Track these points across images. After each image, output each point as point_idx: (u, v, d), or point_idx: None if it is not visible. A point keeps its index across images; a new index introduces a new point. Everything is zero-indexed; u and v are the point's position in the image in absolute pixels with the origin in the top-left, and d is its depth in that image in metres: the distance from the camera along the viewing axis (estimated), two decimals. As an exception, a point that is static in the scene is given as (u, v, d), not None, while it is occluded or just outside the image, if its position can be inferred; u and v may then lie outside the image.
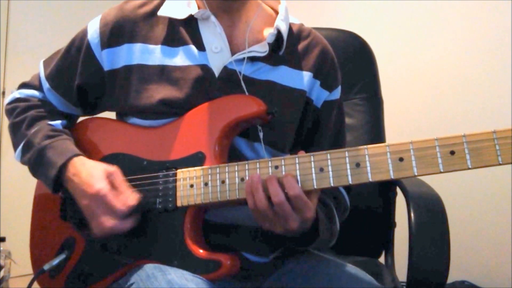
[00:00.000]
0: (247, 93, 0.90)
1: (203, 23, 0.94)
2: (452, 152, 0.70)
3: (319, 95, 0.99)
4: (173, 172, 0.87)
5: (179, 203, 0.85)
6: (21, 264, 1.98)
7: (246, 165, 0.81)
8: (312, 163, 0.77)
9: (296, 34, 0.99)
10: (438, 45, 2.26)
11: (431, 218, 1.02)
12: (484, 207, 2.05)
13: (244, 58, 0.91)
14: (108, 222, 0.83)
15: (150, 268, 0.81)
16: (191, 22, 0.94)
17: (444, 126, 2.15)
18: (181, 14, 0.94)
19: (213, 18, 0.93)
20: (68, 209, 0.96)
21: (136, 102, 0.92)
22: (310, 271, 0.89)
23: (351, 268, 0.89)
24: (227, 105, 0.87)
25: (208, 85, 0.91)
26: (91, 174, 0.86)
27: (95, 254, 0.91)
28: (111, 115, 1.03)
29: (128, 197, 0.84)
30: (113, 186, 0.85)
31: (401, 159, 0.73)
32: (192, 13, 0.93)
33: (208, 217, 0.89)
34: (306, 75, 0.97)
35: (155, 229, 0.86)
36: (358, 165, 0.75)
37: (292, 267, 0.91)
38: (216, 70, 0.91)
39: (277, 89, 0.94)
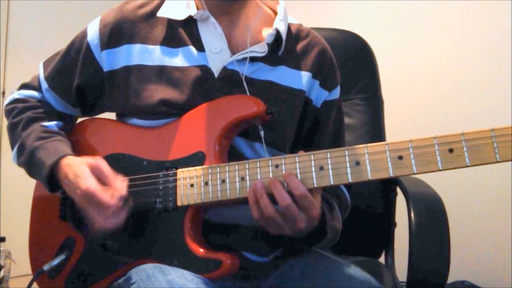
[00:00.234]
0: (248, 93, 0.90)
1: (202, 24, 0.94)
2: (451, 150, 0.71)
3: (319, 95, 0.99)
4: (173, 171, 0.87)
5: (179, 203, 0.85)
6: (21, 264, 1.98)
7: (246, 164, 0.81)
8: (312, 161, 0.78)
9: (295, 35, 1.00)
10: (438, 45, 2.26)
11: (431, 218, 1.02)
12: (484, 207, 2.05)
13: (242, 58, 0.91)
14: (102, 221, 0.82)
15: (150, 268, 0.81)
16: (190, 23, 0.95)
17: (444, 126, 2.15)
18: (180, 15, 0.94)
19: (212, 19, 0.93)
20: (67, 209, 0.96)
21: (136, 103, 0.92)
22: (310, 270, 0.88)
23: (351, 268, 0.89)
24: (227, 105, 0.87)
25: (208, 86, 0.91)
26: (77, 174, 0.85)
27: (95, 254, 0.91)
28: (111, 116, 1.03)
29: (116, 189, 0.83)
30: (99, 179, 0.84)
31: (400, 157, 0.73)
32: (191, 14, 0.93)
33: (208, 217, 0.89)
34: (305, 75, 0.97)
35: (155, 228, 0.86)
36: (358, 163, 0.75)
37: (292, 267, 0.91)
38: (216, 71, 0.92)
39: (276, 89, 0.94)
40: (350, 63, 1.41)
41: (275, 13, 0.99)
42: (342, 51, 1.38)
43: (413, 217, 1.00)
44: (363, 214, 1.29)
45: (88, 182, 0.83)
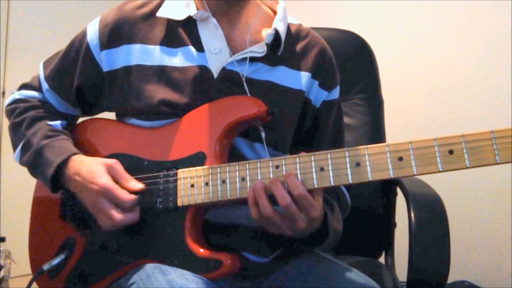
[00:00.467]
0: (248, 94, 0.90)
1: (202, 24, 0.94)
2: (451, 151, 0.71)
3: (318, 95, 0.99)
4: (173, 172, 0.87)
5: (179, 203, 0.85)
6: (21, 264, 1.98)
7: (247, 165, 0.81)
8: (313, 162, 0.78)
9: (294, 35, 0.99)
10: (438, 45, 2.26)
11: (431, 218, 1.02)
12: (484, 207, 2.06)
13: (242, 58, 0.91)
14: (117, 215, 0.83)
15: (150, 268, 0.81)
16: (190, 23, 0.95)
17: (444, 126, 2.15)
18: (180, 15, 0.94)
19: (213, 19, 0.93)
20: (68, 209, 0.96)
21: (136, 103, 0.92)
22: (310, 271, 0.89)
23: (351, 269, 0.89)
24: (228, 106, 0.87)
25: (207, 86, 0.91)
26: (92, 171, 0.86)
27: (95, 254, 0.91)
28: (110, 116, 1.03)
29: (132, 187, 0.85)
30: (114, 179, 0.86)
31: (400, 158, 0.73)
32: (191, 14, 0.93)
33: (209, 217, 0.89)
34: (305, 76, 0.97)
35: (156, 228, 0.87)
36: (358, 164, 0.75)
37: (292, 267, 0.91)
38: (215, 71, 0.92)
39: (275, 89, 0.94)
40: (350, 63, 1.41)
41: (275, 13, 0.99)
42: (342, 51, 1.38)
43: (413, 217, 1.00)
44: (363, 214, 1.29)
45: (105, 179, 0.84)
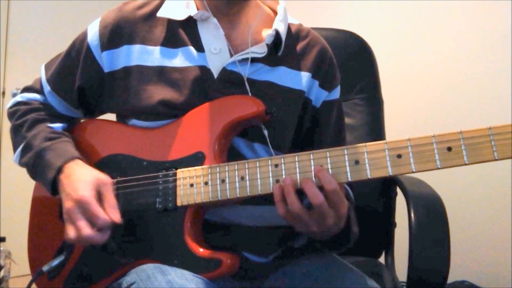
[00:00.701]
0: (250, 94, 0.89)
1: (202, 24, 0.94)
2: (449, 148, 0.71)
3: (318, 95, 0.99)
4: (173, 172, 0.87)
5: (179, 203, 0.85)
6: (21, 264, 1.98)
7: (246, 164, 0.81)
8: (312, 161, 0.78)
9: (294, 35, 0.99)
10: (438, 45, 2.26)
11: (431, 218, 1.02)
12: (484, 207, 2.06)
13: (242, 59, 0.91)
14: (86, 230, 0.80)
15: (150, 268, 0.81)
16: (190, 23, 0.94)
17: (444, 126, 2.14)
18: (180, 15, 0.94)
19: (213, 19, 0.92)
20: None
21: (136, 103, 0.92)
22: (310, 271, 0.89)
23: (352, 269, 0.89)
24: (227, 105, 0.87)
25: (207, 86, 0.91)
26: (80, 179, 0.84)
27: (95, 255, 0.91)
28: (111, 117, 1.03)
29: (111, 213, 0.82)
30: (100, 197, 0.84)
31: (399, 156, 0.74)
32: (191, 14, 0.93)
33: (208, 217, 0.89)
34: (305, 76, 0.97)
35: (155, 228, 0.86)
36: (357, 162, 0.76)
37: (292, 267, 0.91)
38: (215, 71, 0.91)
39: (276, 89, 0.94)
40: (350, 63, 1.41)
41: (275, 13, 0.99)
42: (342, 51, 1.38)
43: (413, 217, 1.00)
44: (363, 214, 1.28)
45: (87, 192, 0.82)
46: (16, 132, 1.00)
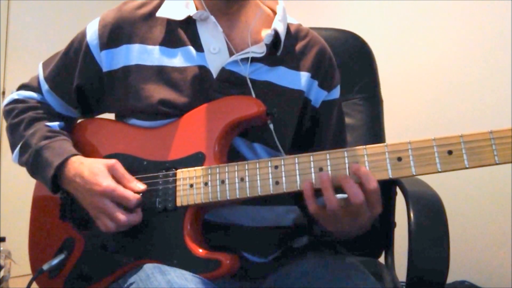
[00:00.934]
0: (253, 94, 0.89)
1: (201, 24, 0.94)
2: (450, 152, 0.71)
3: (318, 95, 0.99)
4: (172, 172, 0.87)
5: (179, 203, 0.85)
6: (21, 264, 1.98)
7: (246, 165, 0.81)
8: (312, 163, 0.78)
9: (294, 35, 0.99)
10: (438, 45, 2.26)
11: (431, 218, 1.02)
12: (484, 207, 2.05)
13: (241, 59, 0.91)
14: (121, 216, 0.82)
15: (149, 268, 0.81)
16: (189, 23, 0.95)
17: (444, 126, 2.15)
18: (180, 15, 0.94)
19: (212, 18, 0.93)
20: (67, 209, 0.96)
21: (135, 103, 0.92)
22: (310, 271, 0.88)
23: (351, 268, 0.89)
24: (227, 106, 0.87)
25: (207, 86, 0.91)
26: (94, 172, 0.85)
27: (95, 254, 0.91)
28: (110, 116, 1.03)
29: (135, 187, 0.85)
30: (116, 179, 0.85)
31: (399, 159, 0.74)
32: (190, 14, 0.93)
33: (208, 217, 0.89)
34: (304, 76, 0.97)
35: (155, 229, 0.86)
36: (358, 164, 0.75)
37: (292, 267, 0.91)
38: (214, 71, 0.91)
39: (275, 89, 0.94)
40: (350, 63, 1.40)
41: (275, 13, 0.99)
42: (342, 51, 1.38)
43: (413, 217, 1.00)
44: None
45: (108, 181, 0.84)
46: (13, 131, 0.99)
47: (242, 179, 0.81)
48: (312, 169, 0.77)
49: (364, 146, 0.76)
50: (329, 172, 0.76)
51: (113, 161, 0.87)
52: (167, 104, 0.90)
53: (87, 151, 0.96)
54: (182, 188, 0.85)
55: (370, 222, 0.81)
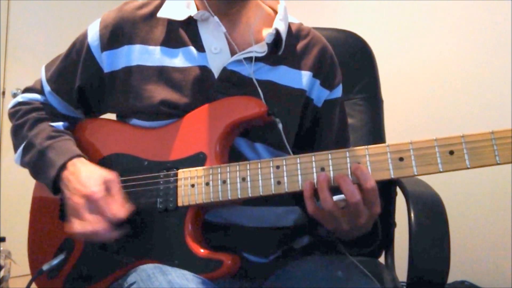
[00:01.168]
0: (261, 93, 0.89)
1: (202, 24, 0.94)
2: (451, 152, 0.72)
3: (320, 95, 0.99)
4: (174, 172, 0.87)
5: (180, 203, 0.85)
6: (21, 264, 1.98)
7: (248, 165, 0.81)
8: (313, 163, 0.78)
9: (295, 34, 0.99)
10: (438, 45, 2.26)
11: (431, 218, 1.02)
12: (484, 207, 2.06)
13: (243, 58, 0.91)
14: (93, 224, 0.81)
15: (150, 268, 0.81)
16: (190, 24, 0.94)
17: (444, 126, 2.15)
18: (181, 16, 0.94)
19: (215, 18, 0.92)
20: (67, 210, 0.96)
21: (137, 103, 0.92)
22: (310, 271, 0.89)
23: (352, 268, 0.89)
24: (228, 106, 0.87)
25: (208, 86, 0.91)
26: (90, 177, 0.85)
27: (95, 254, 0.91)
28: (111, 116, 1.03)
29: (120, 208, 0.83)
30: (108, 192, 0.84)
31: (401, 159, 0.74)
32: (192, 14, 0.93)
33: (208, 217, 0.89)
34: (306, 75, 0.97)
35: (156, 229, 0.86)
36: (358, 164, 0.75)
37: (292, 267, 0.91)
38: (216, 71, 0.91)
39: (276, 89, 0.94)
40: (350, 63, 1.40)
41: (276, 12, 0.99)
42: (342, 51, 1.38)
43: (413, 217, 1.00)
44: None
45: (97, 188, 0.83)
46: (17, 132, 1.00)
47: (243, 179, 0.81)
48: (314, 169, 0.77)
49: (366, 146, 0.76)
50: (331, 172, 0.77)
51: (113, 175, 0.86)
52: (168, 105, 0.90)
53: (88, 150, 0.96)
54: (183, 188, 0.85)
55: (371, 222, 0.81)
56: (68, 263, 0.93)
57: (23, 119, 0.99)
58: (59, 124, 0.99)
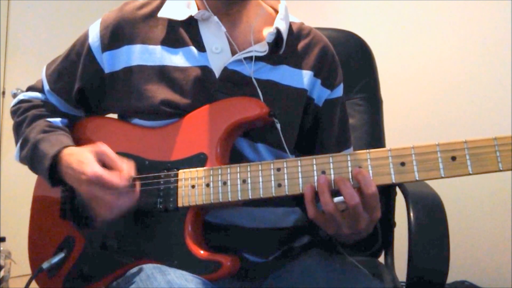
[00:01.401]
0: (260, 93, 0.89)
1: (203, 24, 0.94)
2: (453, 158, 0.71)
3: (320, 94, 0.98)
4: (174, 172, 0.87)
5: (180, 204, 0.85)
6: (21, 264, 1.98)
7: (248, 167, 0.81)
8: (314, 166, 0.78)
9: (296, 33, 0.99)
10: (438, 45, 2.26)
11: (431, 218, 1.02)
12: (484, 208, 2.06)
13: (244, 58, 0.91)
14: (115, 200, 0.81)
15: (149, 268, 0.81)
16: (191, 23, 0.94)
17: (444, 126, 2.15)
18: (181, 15, 0.94)
19: (215, 18, 0.92)
20: (67, 208, 0.96)
21: (137, 103, 0.92)
22: (310, 271, 0.89)
23: (352, 268, 0.89)
24: (229, 107, 0.87)
25: (209, 86, 0.91)
26: (81, 161, 0.84)
27: (95, 253, 0.91)
28: (114, 116, 1.03)
29: (123, 170, 0.83)
30: (105, 165, 0.84)
31: (402, 164, 0.73)
32: (192, 14, 0.93)
33: (208, 218, 0.89)
34: (307, 74, 0.97)
35: (156, 229, 0.87)
36: (360, 168, 0.75)
37: (292, 266, 0.91)
38: (217, 71, 0.91)
39: (277, 88, 0.94)
40: (349, 63, 1.40)
41: (276, 11, 0.99)
42: (342, 51, 1.37)
43: (413, 217, 1.00)
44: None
45: (94, 167, 0.82)
46: (17, 129, 1.01)
47: (244, 181, 0.81)
48: (315, 172, 0.77)
49: (367, 150, 0.75)
50: (332, 175, 0.76)
51: (101, 147, 0.86)
52: (169, 104, 0.90)
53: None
54: (184, 188, 0.85)
55: (371, 226, 0.80)
56: (68, 261, 0.94)
57: (23, 116, 1.00)
58: (57, 120, 0.99)
